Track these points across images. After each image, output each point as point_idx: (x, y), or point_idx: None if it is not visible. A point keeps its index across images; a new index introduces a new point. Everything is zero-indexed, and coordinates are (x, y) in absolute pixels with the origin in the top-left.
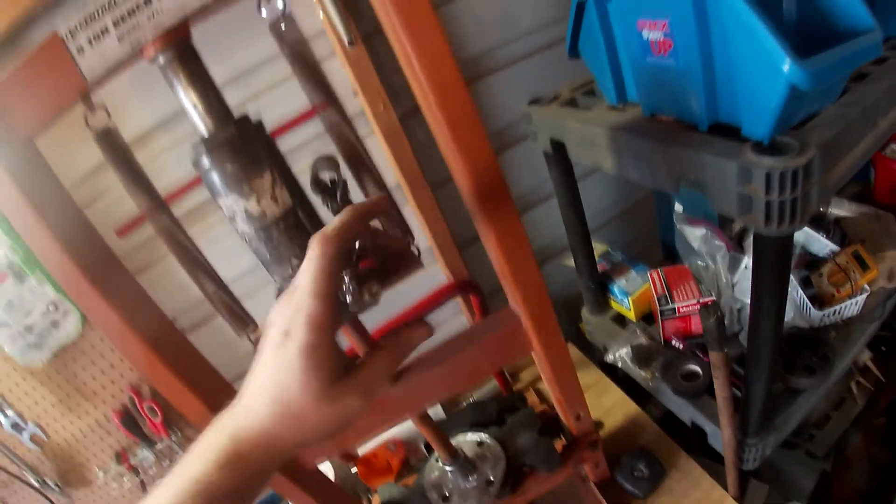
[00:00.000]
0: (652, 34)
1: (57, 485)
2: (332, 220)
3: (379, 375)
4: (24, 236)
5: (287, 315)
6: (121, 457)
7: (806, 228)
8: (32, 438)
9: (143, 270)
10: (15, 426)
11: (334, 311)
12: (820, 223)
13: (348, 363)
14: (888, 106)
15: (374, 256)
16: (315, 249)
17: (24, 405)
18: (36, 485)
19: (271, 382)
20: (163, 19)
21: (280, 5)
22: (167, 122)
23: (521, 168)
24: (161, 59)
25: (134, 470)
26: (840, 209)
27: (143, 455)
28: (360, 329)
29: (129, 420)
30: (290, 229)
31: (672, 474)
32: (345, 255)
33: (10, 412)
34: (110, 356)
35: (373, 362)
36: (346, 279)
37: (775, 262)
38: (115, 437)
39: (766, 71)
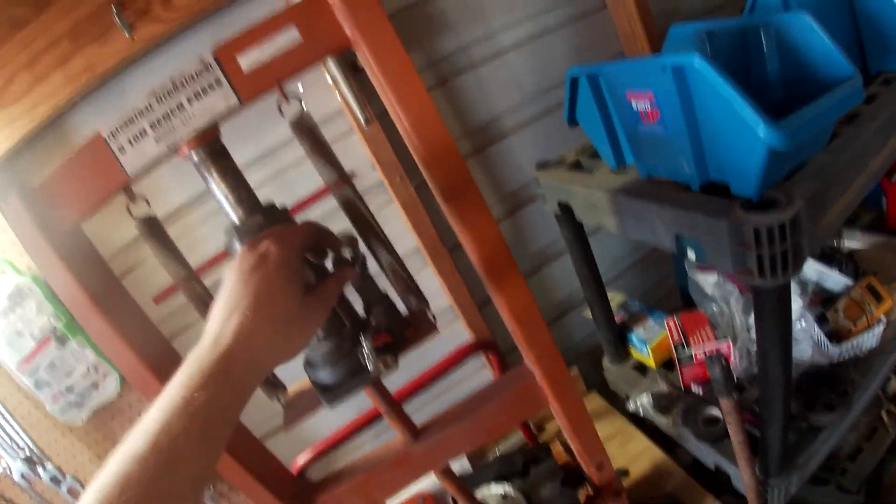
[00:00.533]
0: (640, 104)
1: None
2: None
3: (333, 294)
4: (69, 306)
5: (265, 243)
6: None
7: (818, 265)
8: (70, 491)
9: (178, 335)
10: (54, 479)
11: (305, 249)
12: (832, 258)
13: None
14: (879, 145)
15: (389, 332)
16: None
17: (62, 459)
18: None
19: (256, 298)
20: (195, 122)
21: (297, 108)
22: (199, 198)
23: (536, 226)
24: (195, 157)
25: None
26: (853, 241)
27: None
28: (382, 391)
29: None
30: None
31: None
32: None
33: (49, 466)
34: None
35: (331, 281)
36: (366, 350)
37: (775, 310)
38: None
39: (745, 135)
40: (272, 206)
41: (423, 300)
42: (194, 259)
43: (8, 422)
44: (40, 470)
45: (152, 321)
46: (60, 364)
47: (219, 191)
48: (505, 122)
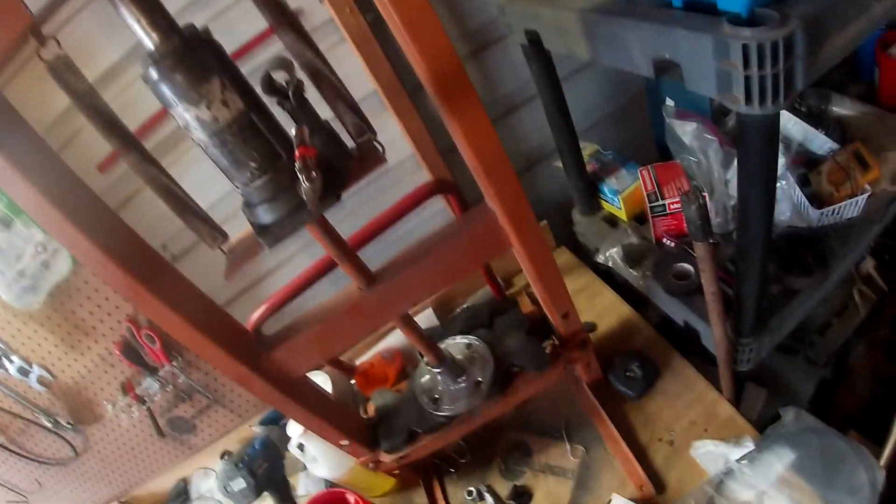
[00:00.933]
0: None
1: (69, 423)
2: None
3: None
4: (1, 185)
5: None
6: (126, 388)
7: (804, 124)
8: (40, 380)
9: (128, 201)
10: (21, 370)
11: None
12: (820, 120)
13: None
14: None
15: (323, 151)
16: None
17: (27, 349)
18: (49, 426)
19: None
20: None
21: None
22: (130, 56)
23: (504, 68)
24: None
25: (140, 399)
26: (842, 108)
27: (148, 384)
28: (331, 233)
29: (130, 350)
30: (243, 132)
31: (666, 375)
32: None
33: (14, 358)
34: (104, 290)
35: None
36: (300, 176)
37: (760, 145)
38: (119, 369)
39: None
40: (190, 27)
41: (370, 129)
42: (133, 122)
43: None
44: (6, 363)
45: (96, 192)
46: (8, 248)
47: (129, 16)
48: None
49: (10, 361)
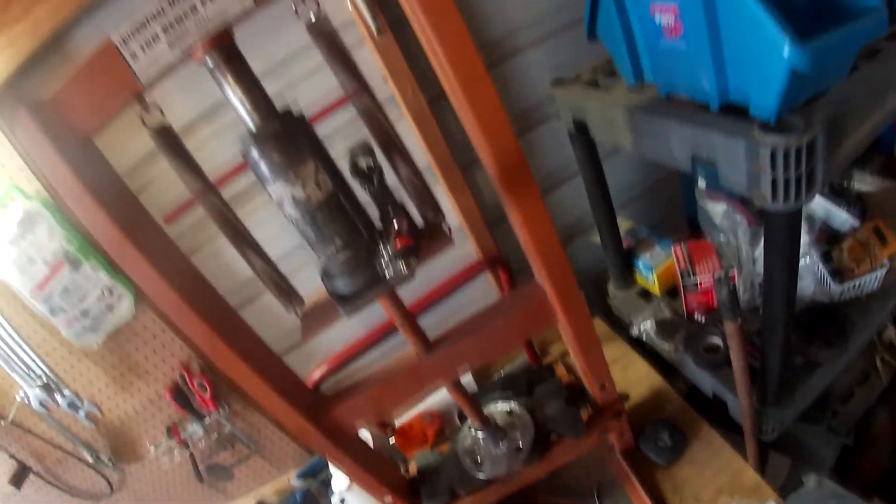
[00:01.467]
0: (664, 18)
1: (110, 460)
2: None
3: None
4: (84, 221)
5: None
6: (171, 431)
7: (827, 203)
8: (88, 416)
9: (190, 253)
10: (72, 405)
11: None
12: (841, 198)
13: None
14: None
15: (409, 235)
16: None
17: (79, 385)
18: (90, 460)
19: None
20: (209, 25)
21: (315, 8)
22: (211, 113)
23: (548, 147)
24: (209, 62)
25: (184, 444)
26: (863, 184)
27: (193, 429)
28: (397, 302)
29: (180, 395)
30: (332, 211)
31: (695, 444)
32: None
33: (66, 392)
34: (162, 336)
35: None
36: (386, 255)
37: (785, 236)
38: (167, 413)
39: (769, 54)
40: (288, 112)
41: (439, 212)
42: (208, 173)
43: (24, 349)
44: (58, 396)
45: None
46: (74, 288)
47: (234, 96)
48: (520, 37)
49: (62, 395)
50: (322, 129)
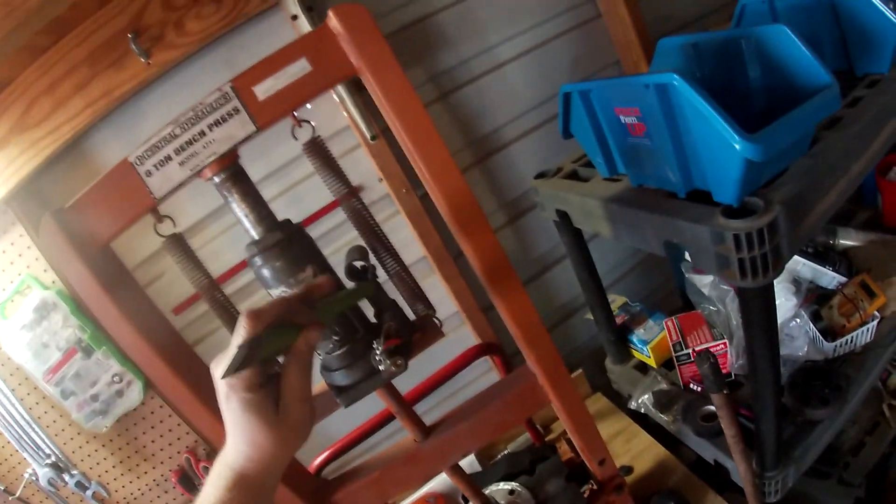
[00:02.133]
0: (628, 118)
1: None
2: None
3: (300, 381)
4: (100, 319)
5: (222, 393)
6: None
7: (811, 264)
8: (95, 496)
9: (196, 343)
10: (79, 485)
11: (256, 374)
12: (826, 257)
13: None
14: (862, 148)
15: (399, 336)
16: (243, 324)
17: (87, 465)
18: None
19: (235, 430)
20: (216, 148)
21: (310, 131)
22: (216, 213)
23: (538, 231)
24: (216, 180)
25: None
26: (847, 239)
27: None
28: (394, 393)
29: (186, 479)
30: None
31: None
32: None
33: (74, 472)
34: (169, 421)
35: (291, 377)
36: (378, 353)
37: (759, 308)
38: (172, 496)
39: (723, 148)
40: (287, 222)
41: (429, 306)
42: (213, 269)
43: (34, 429)
44: (66, 476)
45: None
46: (86, 374)
47: (239, 210)
48: (505, 132)
49: (70, 475)
50: (318, 230)
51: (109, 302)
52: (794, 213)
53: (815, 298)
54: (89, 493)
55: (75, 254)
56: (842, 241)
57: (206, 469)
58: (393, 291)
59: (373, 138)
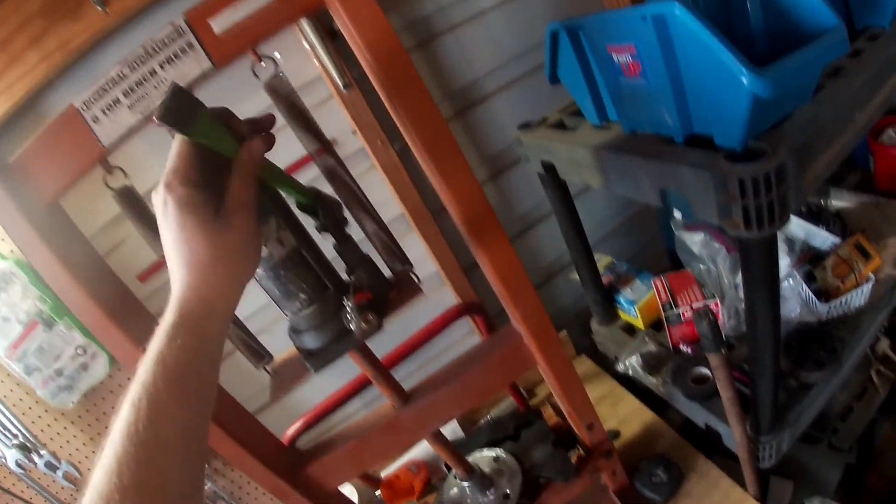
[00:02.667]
0: (621, 57)
1: None
2: None
3: (243, 190)
4: (53, 287)
5: (162, 180)
6: None
7: (806, 224)
8: (66, 476)
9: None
10: (49, 465)
11: (194, 169)
12: (819, 217)
13: (219, 201)
14: (865, 99)
15: (370, 289)
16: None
17: (56, 445)
18: None
19: (173, 247)
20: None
21: (273, 69)
22: None
23: (522, 188)
24: None
25: None
26: (840, 200)
27: None
28: (369, 356)
29: None
30: (295, 267)
31: (691, 478)
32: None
33: (43, 452)
34: None
35: (233, 185)
36: (348, 310)
37: (762, 263)
38: None
39: (729, 84)
40: None
41: (406, 262)
42: None
43: (0, 409)
44: (35, 457)
45: (139, 299)
46: (49, 348)
47: None
48: (487, 83)
49: (40, 456)
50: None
51: (61, 267)
52: (801, 160)
53: (808, 259)
54: (60, 473)
55: (20, 213)
56: (834, 203)
57: None
58: (371, 251)
59: (345, 86)
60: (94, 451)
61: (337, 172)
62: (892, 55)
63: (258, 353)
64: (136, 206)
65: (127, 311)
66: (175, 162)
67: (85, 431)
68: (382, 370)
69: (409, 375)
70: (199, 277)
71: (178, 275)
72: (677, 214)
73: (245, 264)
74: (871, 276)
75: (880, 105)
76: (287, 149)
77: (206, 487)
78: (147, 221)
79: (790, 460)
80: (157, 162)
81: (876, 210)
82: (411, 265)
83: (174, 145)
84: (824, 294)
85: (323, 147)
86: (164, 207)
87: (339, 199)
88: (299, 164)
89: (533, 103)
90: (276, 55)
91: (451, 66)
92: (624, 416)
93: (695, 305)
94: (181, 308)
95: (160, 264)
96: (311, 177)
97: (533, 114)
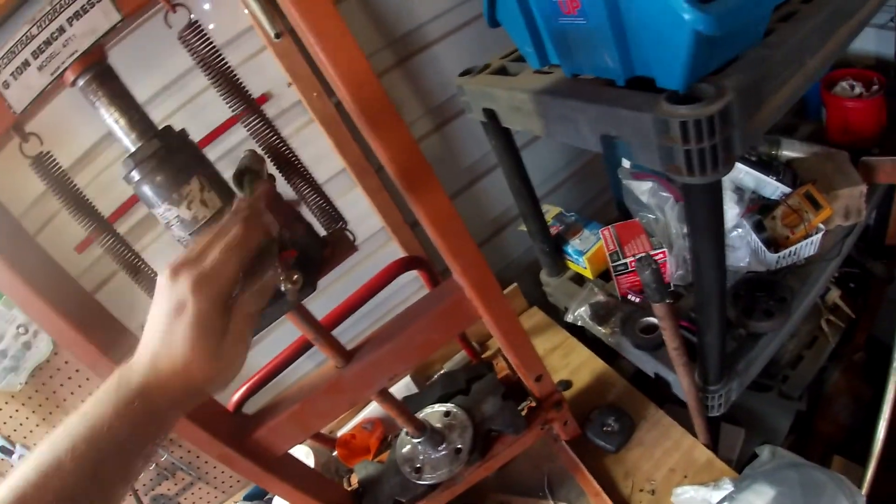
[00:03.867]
0: None
1: None
2: (237, 206)
3: (247, 321)
4: None
5: (185, 285)
6: None
7: (756, 173)
8: (21, 460)
9: (106, 281)
10: (4, 450)
11: (231, 293)
12: (770, 167)
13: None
14: (817, 44)
15: (296, 247)
16: (237, 229)
17: (9, 429)
18: None
19: (166, 349)
20: (78, 44)
21: (187, 17)
22: (110, 136)
23: (467, 139)
24: (80, 82)
25: None
26: (792, 150)
27: None
28: (307, 316)
29: None
30: None
31: (642, 426)
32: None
33: None
34: (85, 370)
35: (238, 314)
36: (278, 270)
37: (706, 209)
38: None
39: (670, 21)
40: (167, 129)
41: (339, 218)
42: (110, 201)
43: None
44: None
45: (75, 273)
46: None
47: (109, 117)
48: (429, 31)
49: None
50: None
51: None
52: (748, 102)
53: (757, 209)
54: (15, 457)
55: None
56: (785, 153)
57: None
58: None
59: (277, 36)
60: (47, 433)
61: (264, 132)
62: (845, 2)
63: None
64: (55, 176)
65: (60, 288)
66: (216, 271)
67: (37, 412)
68: (321, 330)
69: (355, 338)
70: (181, 385)
71: (154, 368)
72: (625, 163)
73: (224, 386)
74: (822, 226)
75: (832, 52)
76: (216, 108)
77: (163, 459)
78: (67, 192)
79: (741, 408)
80: (72, 125)
81: (827, 161)
82: (345, 221)
83: (221, 255)
84: (773, 244)
85: (247, 107)
86: (177, 306)
87: (263, 156)
88: (228, 125)
89: (477, 50)
90: (207, 6)
91: (390, 12)
92: (575, 366)
93: (652, 253)
94: (143, 396)
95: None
96: (238, 139)
97: (477, 61)
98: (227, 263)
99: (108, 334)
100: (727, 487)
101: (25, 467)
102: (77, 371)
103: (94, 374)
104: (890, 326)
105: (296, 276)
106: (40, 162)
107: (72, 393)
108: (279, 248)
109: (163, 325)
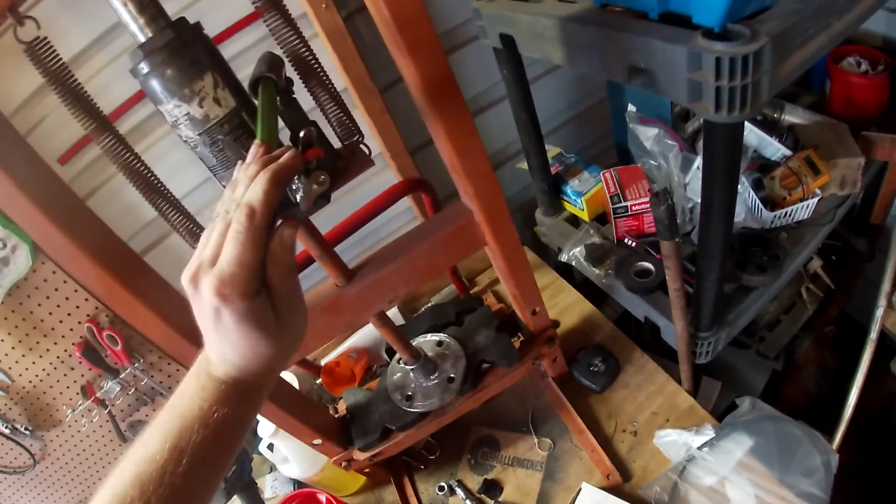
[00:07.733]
0: None
1: (27, 429)
2: (252, 190)
3: (287, 288)
4: None
5: (208, 294)
6: (87, 391)
7: (759, 132)
8: None
9: (88, 196)
10: None
11: (258, 277)
12: (773, 128)
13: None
14: (845, 7)
15: (321, 146)
16: (243, 222)
17: None
18: (6, 432)
19: (230, 347)
20: None
21: None
22: (104, 38)
23: (474, 69)
24: None
25: (101, 403)
26: (794, 116)
27: (109, 386)
28: (312, 231)
29: (91, 352)
30: (234, 131)
31: (627, 369)
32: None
33: None
34: (64, 288)
35: (276, 284)
36: (296, 179)
37: (725, 150)
38: (79, 372)
39: None
40: (182, 20)
41: (358, 132)
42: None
43: None
44: None
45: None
46: None
47: (121, 5)
48: None
49: None
50: (233, 48)
51: None
52: (778, 50)
53: (758, 167)
54: None
55: None
56: (788, 118)
57: (111, 337)
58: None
59: None
60: (24, 355)
61: (285, 33)
62: None
63: (191, 229)
64: (52, 66)
65: (50, 194)
66: (232, 269)
67: (13, 334)
68: (325, 246)
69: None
70: (258, 365)
71: (228, 362)
72: (632, 107)
73: (297, 347)
74: (818, 191)
75: (856, 18)
76: (227, 7)
77: (143, 383)
78: (66, 86)
79: (719, 363)
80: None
81: (829, 130)
82: (362, 135)
83: (230, 247)
84: (770, 203)
85: (269, 3)
86: (215, 316)
87: (283, 58)
88: (246, 23)
89: None
90: None
91: None
92: (563, 307)
93: (652, 188)
94: (233, 380)
95: (82, 144)
96: (256, 36)
97: None
98: (244, 255)
99: (105, 245)
100: (708, 433)
101: (141, 451)
102: (56, 290)
103: (80, 278)
104: (863, 305)
105: (322, 177)
106: (38, 49)
107: (50, 313)
108: (305, 144)
109: (213, 331)
